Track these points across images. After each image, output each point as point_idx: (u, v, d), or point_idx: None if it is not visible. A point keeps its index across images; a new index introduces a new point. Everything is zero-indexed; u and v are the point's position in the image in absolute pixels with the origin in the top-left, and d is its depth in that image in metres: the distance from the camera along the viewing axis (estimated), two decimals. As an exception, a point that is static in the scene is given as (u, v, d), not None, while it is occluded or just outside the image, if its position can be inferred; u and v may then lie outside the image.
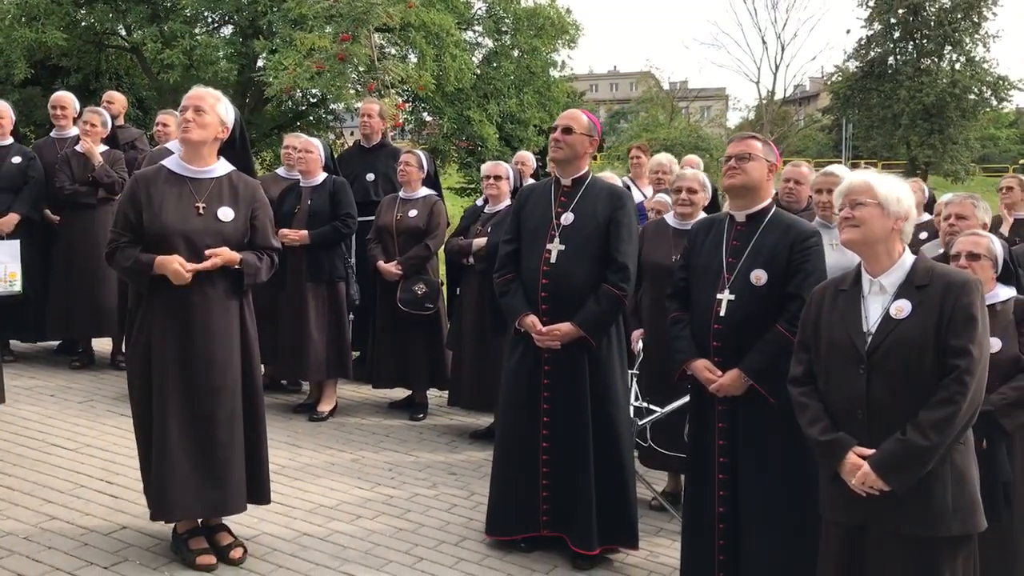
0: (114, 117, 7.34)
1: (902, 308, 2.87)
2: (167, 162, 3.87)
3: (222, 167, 3.92)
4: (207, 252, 3.73)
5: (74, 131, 6.84)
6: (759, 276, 3.59)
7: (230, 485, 3.83)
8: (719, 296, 3.62)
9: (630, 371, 5.15)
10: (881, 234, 2.93)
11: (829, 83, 45.18)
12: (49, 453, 5.05)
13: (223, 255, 3.76)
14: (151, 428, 3.76)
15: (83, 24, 23.88)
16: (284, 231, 6.02)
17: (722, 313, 3.61)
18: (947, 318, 2.79)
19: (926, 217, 6.72)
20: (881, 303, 2.92)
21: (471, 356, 6.03)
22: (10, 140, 6.61)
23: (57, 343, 7.25)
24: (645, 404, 4.84)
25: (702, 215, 4.93)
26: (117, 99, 7.82)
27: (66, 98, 7.05)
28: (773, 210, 3.71)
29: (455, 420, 6.41)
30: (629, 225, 4.31)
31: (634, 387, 5.07)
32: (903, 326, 2.85)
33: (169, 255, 3.69)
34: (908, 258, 2.96)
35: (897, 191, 2.95)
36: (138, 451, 3.92)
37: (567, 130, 4.28)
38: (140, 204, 3.72)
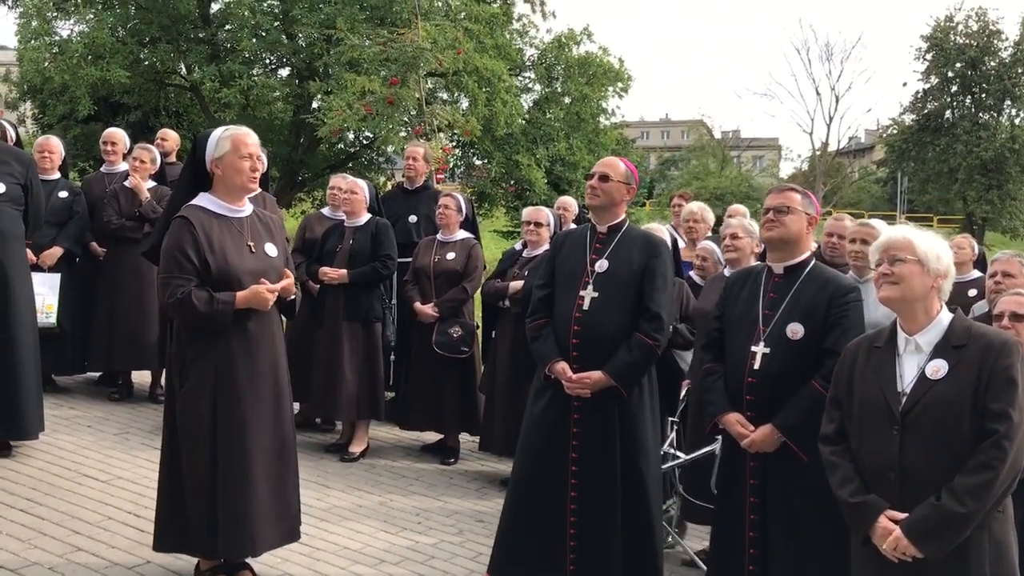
0: (166, 155, 7.51)
1: (939, 368, 2.78)
2: (203, 203, 3.88)
3: (248, 204, 3.99)
4: (278, 286, 3.85)
5: (123, 166, 6.98)
6: (795, 330, 3.51)
7: (294, 512, 3.99)
8: (754, 349, 3.55)
9: (671, 419, 5.09)
10: (921, 292, 2.85)
11: (884, 136, 44.76)
12: (80, 483, 5.08)
13: (290, 281, 3.92)
14: (213, 464, 3.74)
15: (146, 63, 24.61)
16: (324, 269, 6.09)
17: (756, 366, 3.53)
18: (985, 380, 2.70)
19: (976, 275, 6.57)
20: (917, 362, 2.84)
21: (504, 401, 5.98)
22: (57, 175, 6.75)
23: (97, 375, 7.34)
24: (671, 450, 4.75)
25: (755, 262, 4.86)
26: (171, 137, 8.00)
27: (116, 134, 7.23)
28: (812, 263, 3.65)
29: (486, 466, 6.34)
30: (664, 274, 4.25)
31: (672, 435, 4.98)
32: (939, 387, 2.75)
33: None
34: (945, 316, 2.88)
35: (937, 248, 2.88)
36: (166, 487, 3.89)
37: (604, 177, 4.25)
38: (201, 247, 3.74)
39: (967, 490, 2.64)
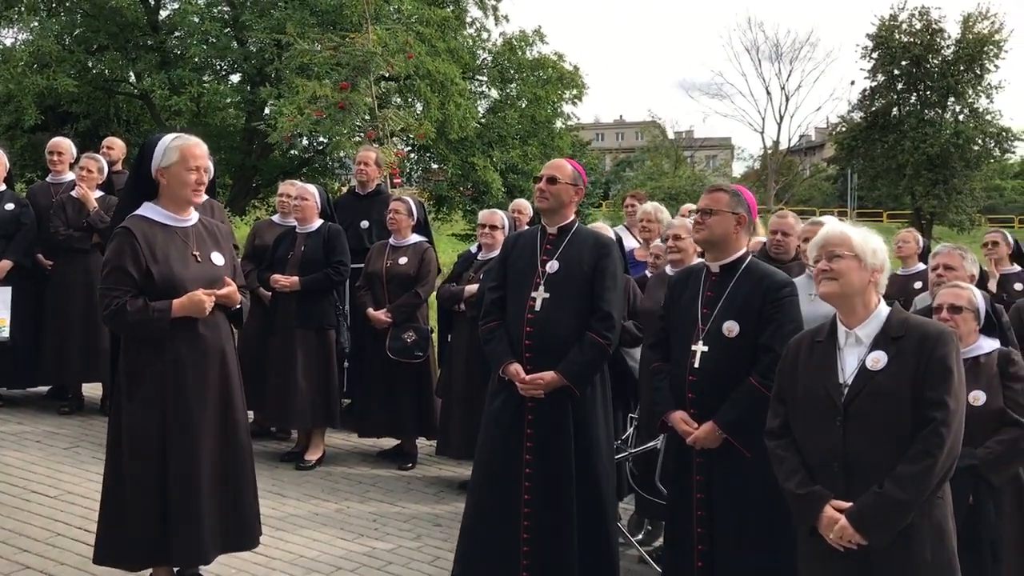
0: (113, 163, 7.40)
1: (878, 360, 2.84)
2: (148, 213, 3.82)
3: (194, 213, 3.95)
4: (219, 289, 3.80)
5: (70, 176, 6.88)
6: (731, 328, 3.57)
7: (248, 518, 3.93)
8: (694, 347, 3.60)
9: (631, 415, 5.14)
10: (859, 286, 2.91)
11: (834, 134, 45.45)
12: (28, 500, 4.99)
13: (234, 289, 3.87)
14: (159, 475, 3.69)
15: (94, 71, 24.22)
16: (276, 276, 6.05)
17: (696, 365, 3.58)
18: (923, 370, 2.77)
19: (921, 267, 6.72)
20: (857, 355, 2.90)
21: (461, 404, 5.98)
22: (3, 187, 6.64)
23: (47, 388, 7.21)
24: (617, 443, 4.81)
25: (699, 261, 4.92)
26: (117, 145, 7.88)
27: (62, 143, 7.11)
28: (747, 261, 3.69)
29: (444, 470, 6.34)
30: (614, 273, 4.29)
31: (631, 430, 5.04)
32: (879, 378, 2.82)
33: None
34: (883, 309, 2.94)
35: (873, 243, 2.95)
36: (109, 503, 3.81)
37: (551, 180, 4.27)
38: (143, 258, 3.70)
39: (908, 477, 2.70)
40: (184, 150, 3.78)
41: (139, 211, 3.83)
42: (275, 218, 6.99)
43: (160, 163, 3.79)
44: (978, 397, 3.63)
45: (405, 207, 6.34)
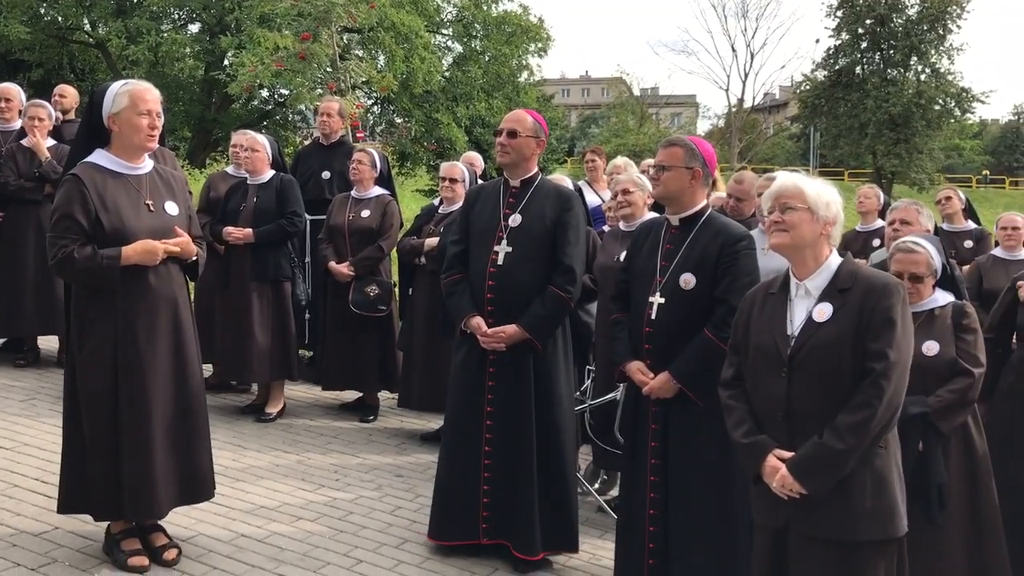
0: (65, 112, 7.22)
1: (824, 311, 2.86)
2: (99, 160, 3.75)
3: (148, 161, 3.87)
4: (175, 241, 3.74)
5: (19, 124, 6.69)
6: (688, 280, 3.60)
7: (203, 470, 3.91)
8: (651, 299, 3.62)
9: (588, 367, 5.18)
10: (810, 238, 2.91)
11: (798, 92, 45.62)
12: (-16, 452, 4.94)
13: (187, 240, 3.79)
14: (112, 427, 3.67)
15: (47, 18, 23.60)
16: (228, 229, 5.95)
17: (653, 316, 3.61)
18: (866, 321, 2.78)
19: (880, 224, 6.80)
20: (806, 307, 2.91)
21: (422, 357, 5.98)
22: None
23: (2, 341, 7.10)
24: (578, 397, 4.86)
25: (650, 214, 4.93)
26: (69, 93, 7.66)
27: (11, 90, 6.90)
28: (707, 214, 3.71)
29: (405, 423, 6.36)
30: (576, 227, 4.29)
31: (588, 383, 5.08)
32: (824, 329, 2.84)
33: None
34: (834, 261, 2.94)
35: (827, 195, 2.94)
36: (71, 451, 3.80)
37: (512, 133, 4.24)
38: (92, 206, 3.62)
39: (847, 427, 2.73)
40: (134, 95, 3.70)
41: (90, 158, 3.75)
42: (229, 169, 6.86)
43: (111, 109, 3.71)
44: (931, 348, 3.70)
45: (369, 159, 6.27)
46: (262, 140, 6.19)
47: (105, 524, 3.91)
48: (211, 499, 4.04)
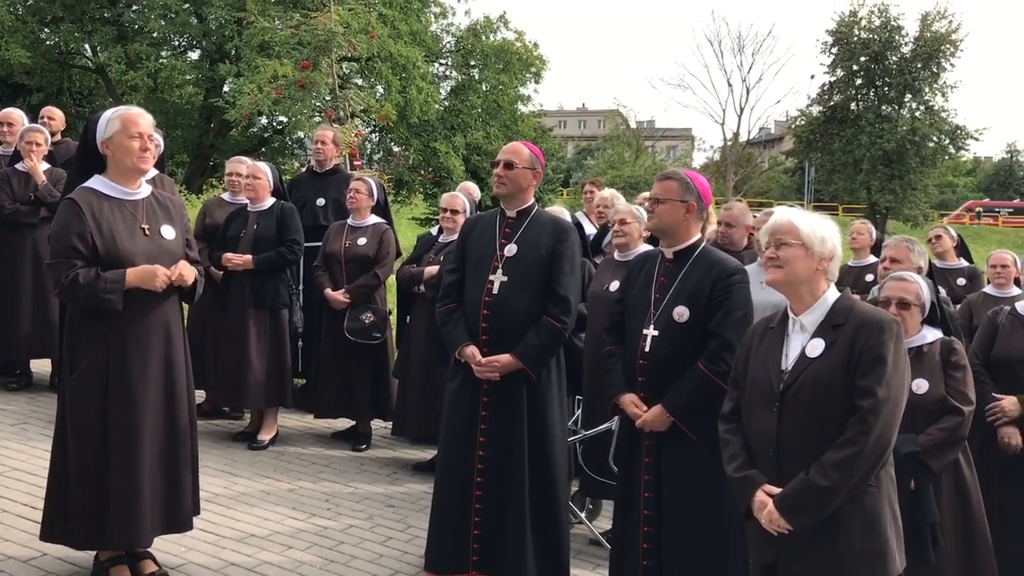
0: (53, 133, 7.24)
1: (816, 347, 2.86)
2: (96, 185, 3.78)
3: (145, 186, 3.90)
4: (171, 269, 3.75)
5: (13, 148, 6.70)
6: (681, 312, 3.61)
7: (185, 502, 3.89)
8: (645, 331, 3.64)
9: (578, 396, 5.16)
10: (805, 275, 2.92)
11: (793, 127, 45.93)
12: (-27, 477, 4.91)
13: (186, 270, 3.80)
14: (99, 452, 3.66)
15: (48, 43, 23.71)
16: (228, 255, 5.97)
17: (647, 349, 3.62)
18: (856, 357, 2.77)
19: (873, 260, 6.84)
20: (801, 342, 2.91)
21: (418, 386, 5.97)
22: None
23: (-5, 364, 7.08)
24: (576, 428, 4.85)
25: (644, 246, 4.97)
26: (57, 115, 7.63)
27: (13, 114, 6.94)
28: (701, 247, 3.73)
29: (399, 452, 6.34)
30: (572, 258, 4.29)
31: (579, 412, 5.06)
32: (815, 365, 2.84)
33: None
34: (832, 296, 2.95)
35: (822, 231, 2.95)
36: (56, 477, 3.78)
37: (509, 165, 4.26)
38: (88, 230, 3.64)
39: (832, 464, 2.71)
40: (125, 119, 3.75)
41: (87, 183, 3.79)
42: (225, 196, 6.88)
43: (104, 135, 3.76)
44: (921, 385, 3.71)
45: (366, 187, 6.30)
46: (264, 167, 6.24)
47: (90, 551, 3.88)
48: (190, 531, 4.01)
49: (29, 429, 5.81)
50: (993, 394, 4.54)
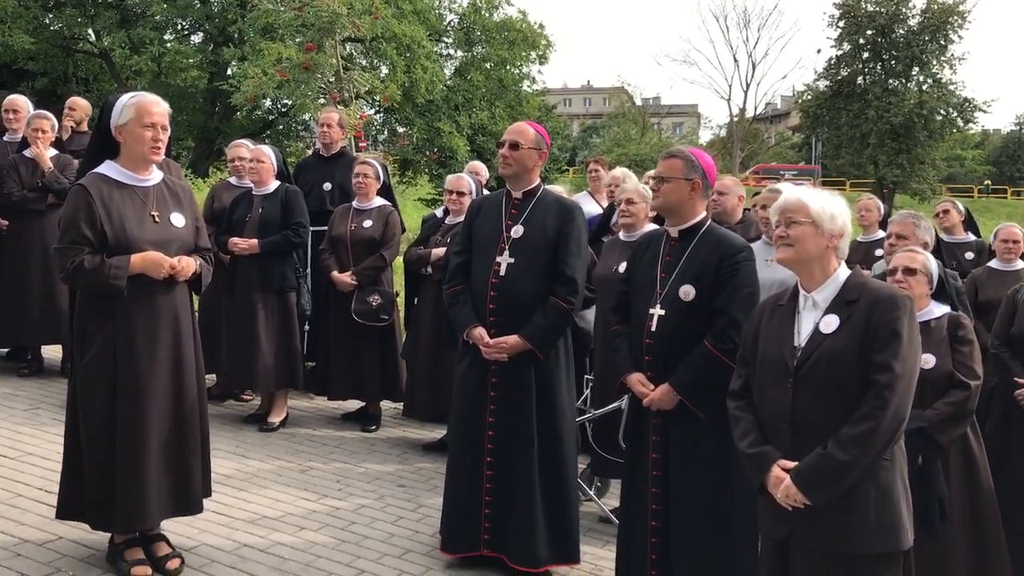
0: (78, 123, 7.27)
1: (830, 323, 2.87)
2: (106, 171, 3.79)
3: (156, 172, 3.91)
4: (176, 260, 3.76)
5: (21, 135, 6.72)
6: (687, 291, 3.61)
7: (195, 485, 3.90)
8: (651, 311, 3.64)
9: (587, 376, 5.19)
10: (815, 252, 2.93)
11: (799, 102, 45.71)
12: (-12, 462, 4.96)
13: (189, 263, 3.81)
14: (108, 437, 3.69)
15: (51, 28, 23.70)
16: (234, 240, 5.99)
17: (653, 328, 3.63)
18: (872, 333, 2.78)
19: (881, 235, 6.81)
20: (813, 319, 2.92)
21: (426, 367, 6.01)
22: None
23: (5, 350, 7.13)
24: (585, 407, 4.87)
25: (650, 226, 4.97)
26: (80, 106, 7.66)
27: (18, 101, 6.94)
28: (706, 225, 3.73)
29: (408, 432, 6.38)
30: (578, 239, 4.30)
31: (588, 392, 5.09)
32: (830, 340, 2.85)
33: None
34: (843, 273, 2.96)
35: (832, 208, 2.95)
36: (69, 458, 3.82)
37: (514, 145, 4.26)
38: (98, 217, 3.66)
39: (850, 439, 2.73)
40: (140, 107, 3.74)
41: (98, 169, 3.79)
42: (232, 180, 6.89)
43: (118, 121, 3.76)
44: (928, 360, 3.72)
45: (373, 170, 6.31)
46: (267, 151, 6.23)
47: (104, 532, 3.93)
48: (199, 513, 4.04)
49: (42, 414, 5.86)
50: (1017, 379, 4.56)
